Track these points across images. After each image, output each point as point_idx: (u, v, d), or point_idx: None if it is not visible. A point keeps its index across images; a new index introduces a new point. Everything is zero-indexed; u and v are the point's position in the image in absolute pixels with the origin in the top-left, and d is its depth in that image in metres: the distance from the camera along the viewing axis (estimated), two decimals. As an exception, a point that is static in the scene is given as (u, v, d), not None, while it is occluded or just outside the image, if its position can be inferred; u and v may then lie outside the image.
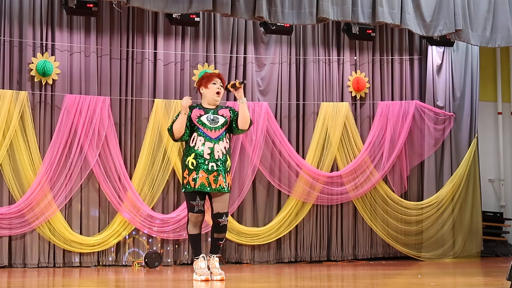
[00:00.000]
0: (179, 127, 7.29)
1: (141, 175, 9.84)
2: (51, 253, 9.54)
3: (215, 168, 7.27)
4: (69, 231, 9.54)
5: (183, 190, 7.40)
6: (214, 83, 7.45)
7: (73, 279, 8.28)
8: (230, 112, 7.48)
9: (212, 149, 7.27)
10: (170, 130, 7.36)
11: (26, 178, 9.36)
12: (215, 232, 7.40)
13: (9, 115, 9.32)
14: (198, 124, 7.33)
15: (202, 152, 7.27)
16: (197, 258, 7.39)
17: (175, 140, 7.44)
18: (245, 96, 10.34)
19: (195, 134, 7.34)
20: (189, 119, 7.35)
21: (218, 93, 7.43)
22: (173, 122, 7.37)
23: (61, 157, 9.50)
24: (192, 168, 7.27)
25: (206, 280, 7.24)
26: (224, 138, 7.38)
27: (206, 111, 7.41)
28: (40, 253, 9.48)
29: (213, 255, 7.44)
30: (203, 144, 7.28)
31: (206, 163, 7.26)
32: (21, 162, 9.35)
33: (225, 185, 7.31)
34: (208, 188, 7.25)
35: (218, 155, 7.29)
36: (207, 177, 7.25)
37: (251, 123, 7.50)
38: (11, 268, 9.34)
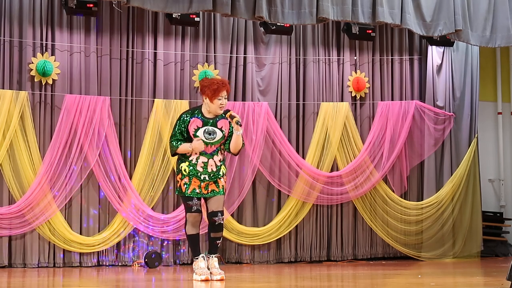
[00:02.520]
0: (182, 152, 7.35)
1: (141, 175, 9.84)
2: (51, 253, 9.54)
3: (207, 178, 7.34)
4: (69, 231, 9.53)
5: (176, 193, 7.52)
6: (219, 99, 7.32)
7: (73, 279, 8.29)
8: (229, 126, 7.40)
9: (206, 163, 7.33)
10: (174, 147, 7.33)
11: (26, 178, 9.36)
12: (212, 232, 7.40)
13: (9, 115, 9.32)
14: (194, 138, 7.32)
15: (195, 165, 7.33)
16: (197, 258, 7.40)
17: (173, 156, 7.51)
18: (245, 96, 10.48)
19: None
20: (187, 130, 7.34)
21: (221, 108, 7.35)
22: (177, 139, 7.32)
23: (61, 157, 9.50)
24: (185, 174, 7.34)
25: (206, 280, 7.25)
26: (219, 152, 7.41)
27: (205, 122, 7.35)
28: (40, 253, 9.47)
29: (211, 255, 7.44)
30: (198, 157, 7.32)
31: (199, 174, 7.32)
32: (21, 162, 9.35)
33: (218, 189, 7.36)
34: (200, 194, 7.34)
35: (212, 168, 7.34)
36: (199, 185, 7.32)
37: (242, 147, 7.45)
38: (11, 268, 9.33)
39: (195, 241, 7.45)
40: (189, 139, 7.35)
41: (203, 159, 7.32)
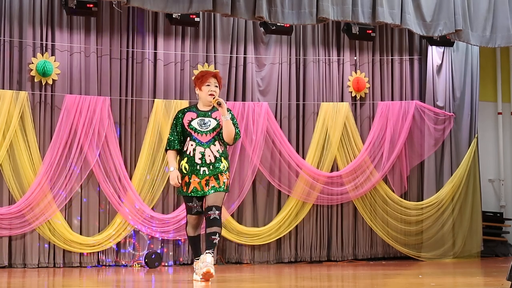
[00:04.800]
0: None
1: (141, 175, 9.84)
2: (51, 253, 9.54)
3: (207, 172, 7.19)
4: (69, 231, 9.54)
5: (177, 193, 7.40)
6: (208, 85, 7.31)
7: (73, 279, 8.28)
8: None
9: (203, 154, 7.20)
10: (168, 147, 7.35)
11: (26, 178, 9.36)
12: (207, 227, 7.18)
13: (9, 115, 9.32)
14: (189, 129, 7.25)
15: (193, 157, 7.21)
16: (197, 259, 7.33)
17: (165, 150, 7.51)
18: (245, 96, 10.48)
19: (188, 138, 7.28)
20: (182, 125, 7.28)
21: (211, 95, 7.29)
22: (174, 139, 7.29)
23: (61, 157, 9.50)
24: (185, 172, 7.24)
25: (206, 280, 7.21)
26: (217, 142, 7.27)
27: (199, 114, 7.32)
28: (40, 253, 9.47)
29: (205, 251, 7.14)
30: (194, 149, 7.21)
31: (198, 167, 7.19)
32: (21, 162, 9.35)
33: (219, 185, 7.19)
34: (201, 192, 7.20)
35: (210, 159, 7.20)
36: (199, 182, 7.19)
37: (236, 138, 7.31)
38: (11, 268, 9.34)
39: (196, 243, 7.39)
40: (184, 134, 7.27)
41: (199, 149, 7.20)
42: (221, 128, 7.30)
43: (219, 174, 7.23)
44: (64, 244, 9.52)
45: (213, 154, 7.22)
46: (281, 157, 10.56)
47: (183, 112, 7.38)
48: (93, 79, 9.82)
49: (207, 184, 7.20)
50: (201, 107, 7.38)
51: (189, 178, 7.23)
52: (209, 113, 7.34)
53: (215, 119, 7.30)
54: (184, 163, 7.26)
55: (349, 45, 11.05)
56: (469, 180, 11.38)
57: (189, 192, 7.23)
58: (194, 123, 7.26)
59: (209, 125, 7.26)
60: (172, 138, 7.32)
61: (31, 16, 9.54)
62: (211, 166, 7.20)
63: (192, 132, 7.25)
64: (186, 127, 7.27)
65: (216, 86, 7.34)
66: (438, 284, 7.17)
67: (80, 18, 9.71)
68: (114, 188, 9.71)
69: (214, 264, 7.18)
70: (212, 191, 7.19)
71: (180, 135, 7.31)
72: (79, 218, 9.68)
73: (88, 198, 9.75)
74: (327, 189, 10.68)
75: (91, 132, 9.61)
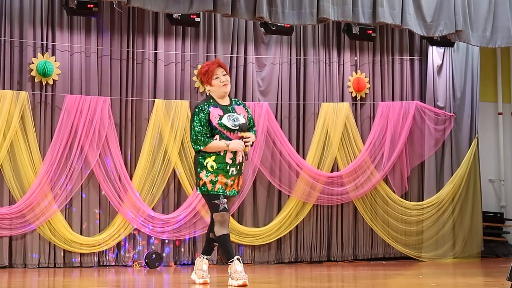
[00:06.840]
0: (213, 150, 6.89)
1: (141, 175, 9.84)
2: (52, 254, 9.54)
3: (234, 173, 6.90)
4: (70, 231, 9.54)
5: (198, 192, 6.94)
6: (217, 77, 6.97)
7: (73, 279, 8.29)
8: (246, 112, 7.08)
9: (234, 154, 6.88)
10: (203, 143, 6.82)
11: (27, 178, 9.36)
12: (212, 232, 7.00)
13: (9, 115, 9.32)
14: (219, 127, 6.84)
15: (224, 157, 6.85)
16: (232, 261, 6.77)
17: (197, 152, 6.91)
18: (246, 96, 10.49)
19: (217, 136, 6.86)
20: (208, 120, 6.85)
21: (225, 85, 6.96)
22: (205, 133, 6.83)
23: (61, 158, 9.50)
24: (212, 170, 6.82)
25: (244, 286, 6.69)
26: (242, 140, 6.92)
27: (225, 109, 6.93)
28: (40, 254, 9.47)
29: (203, 256, 7.06)
30: None
31: (228, 168, 6.85)
32: (21, 163, 9.35)
33: (238, 188, 7.00)
34: (225, 192, 6.85)
35: (239, 159, 6.90)
36: (226, 182, 6.87)
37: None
38: (11, 268, 9.34)
39: (228, 242, 6.84)
40: (212, 131, 6.87)
41: None
42: (250, 126, 7.07)
43: (240, 176, 7.01)
44: (64, 244, 9.52)
45: (241, 153, 6.93)
46: (282, 157, 10.56)
47: (206, 108, 6.88)
48: (93, 79, 9.82)
49: (232, 185, 6.93)
50: (219, 101, 6.99)
51: (216, 176, 6.83)
52: (233, 107, 7.00)
53: (241, 115, 6.99)
54: (211, 161, 6.83)
55: (350, 46, 11.05)
56: (469, 180, 11.38)
57: (215, 190, 6.82)
58: (225, 121, 6.87)
59: (238, 122, 6.92)
60: (200, 136, 6.81)
61: (32, 16, 9.54)
62: (238, 167, 6.94)
63: (223, 130, 6.86)
64: (216, 125, 6.86)
65: (225, 75, 6.99)
66: (439, 285, 7.17)
67: (81, 18, 9.71)
68: (115, 188, 9.71)
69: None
70: (232, 194, 6.95)
71: (208, 131, 6.85)
72: (80, 218, 9.68)
73: (88, 199, 9.75)
74: (328, 189, 10.68)
75: (91, 132, 9.61)
